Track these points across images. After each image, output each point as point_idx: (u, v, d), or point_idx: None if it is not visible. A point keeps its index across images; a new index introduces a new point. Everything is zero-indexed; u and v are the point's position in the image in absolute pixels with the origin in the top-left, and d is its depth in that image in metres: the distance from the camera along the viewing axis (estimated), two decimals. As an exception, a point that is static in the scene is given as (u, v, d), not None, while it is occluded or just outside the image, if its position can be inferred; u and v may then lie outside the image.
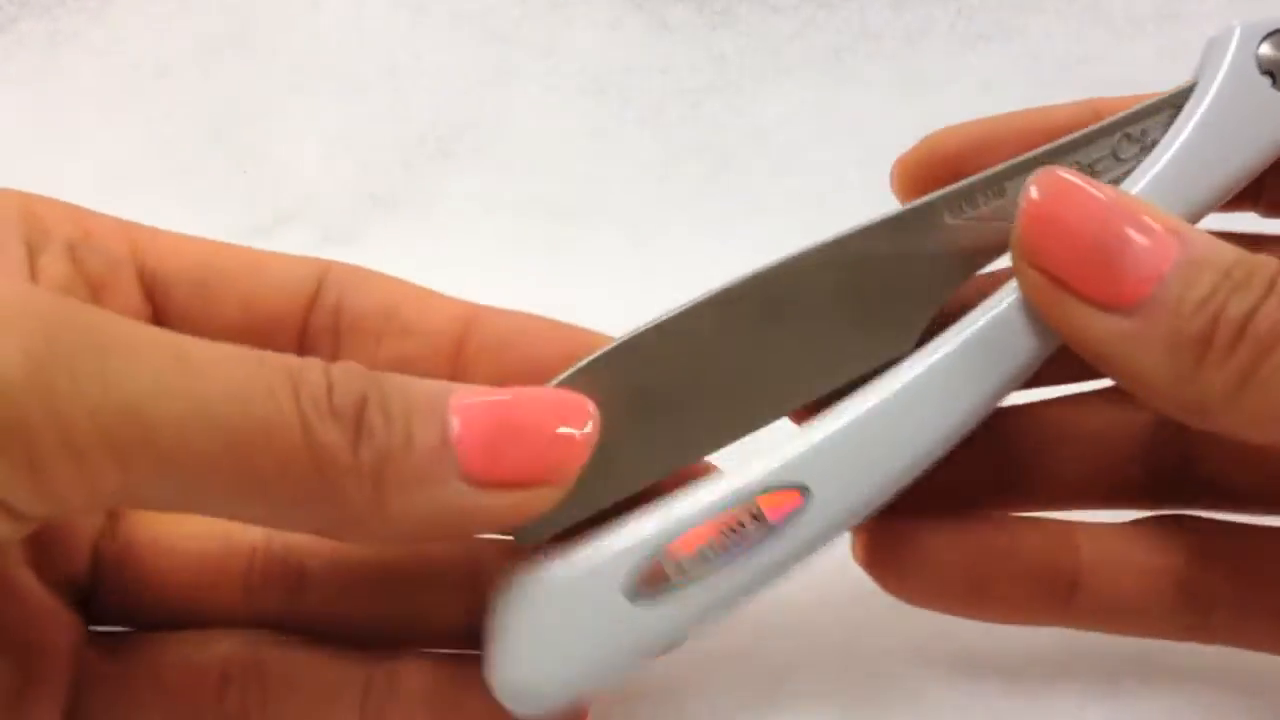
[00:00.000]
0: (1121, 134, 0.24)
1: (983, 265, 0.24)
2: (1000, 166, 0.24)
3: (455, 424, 0.20)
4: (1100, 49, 0.38)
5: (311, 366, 0.19)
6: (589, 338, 0.24)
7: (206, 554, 0.24)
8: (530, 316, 0.24)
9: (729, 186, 0.36)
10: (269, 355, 0.19)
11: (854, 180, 0.36)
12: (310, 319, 0.24)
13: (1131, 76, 0.37)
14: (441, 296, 0.25)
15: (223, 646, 0.23)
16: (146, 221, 0.26)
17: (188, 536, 0.24)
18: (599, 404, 0.21)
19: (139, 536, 0.24)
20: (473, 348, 0.24)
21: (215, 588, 0.23)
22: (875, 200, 0.36)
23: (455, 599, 0.24)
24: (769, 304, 0.23)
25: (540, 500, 0.21)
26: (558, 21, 0.39)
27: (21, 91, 0.38)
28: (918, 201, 0.24)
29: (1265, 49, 0.23)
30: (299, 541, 0.24)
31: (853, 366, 0.23)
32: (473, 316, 0.24)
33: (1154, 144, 0.24)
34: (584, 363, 0.22)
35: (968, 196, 0.24)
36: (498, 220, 0.36)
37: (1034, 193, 0.22)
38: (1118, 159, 0.24)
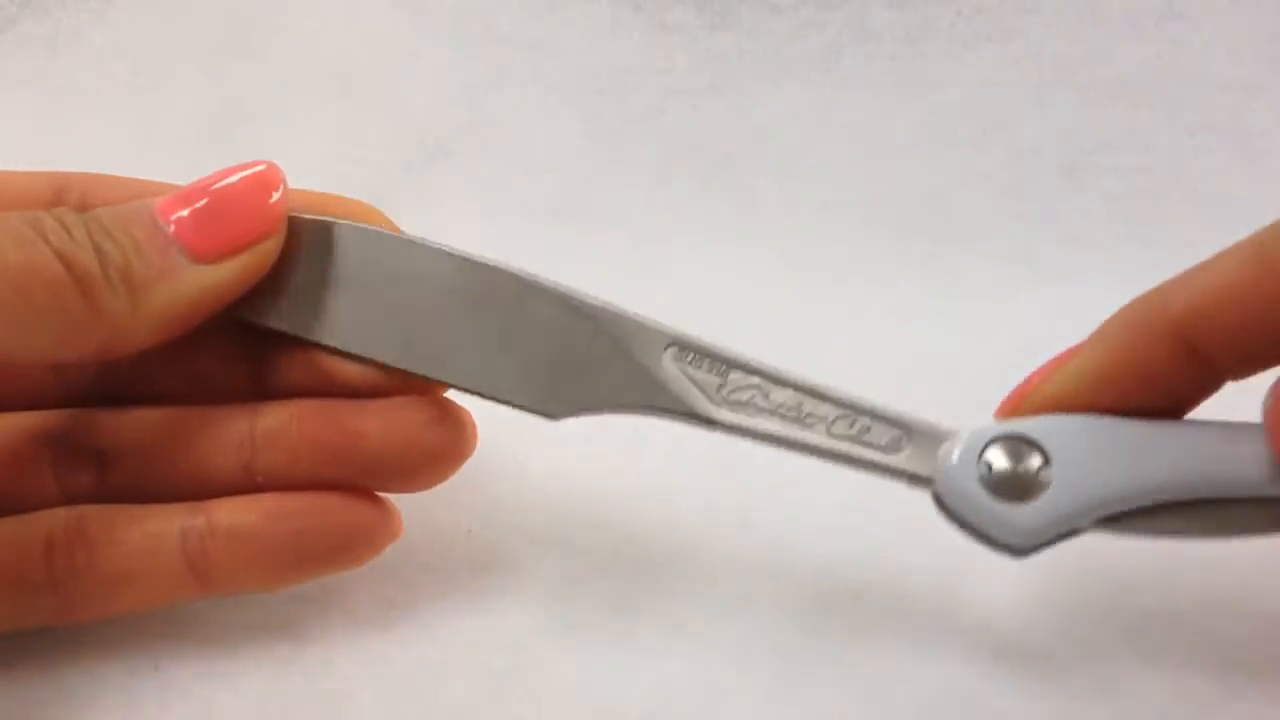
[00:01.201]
0: (845, 414, 0.25)
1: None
2: (735, 354, 0.25)
3: (167, 222, 0.24)
4: (1100, 49, 0.38)
5: (41, 216, 0.23)
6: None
7: (7, 444, 0.26)
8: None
9: (729, 186, 0.36)
10: (6, 215, 0.23)
11: (854, 180, 0.36)
12: None
13: (1132, 76, 0.38)
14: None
15: (44, 520, 0.25)
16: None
17: None
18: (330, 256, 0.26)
19: None
20: None
21: (25, 475, 0.26)
22: (875, 200, 0.36)
23: (233, 454, 0.26)
24: (504, 301, 0.26)
25: (264, 254, 0.25)
26: (558, 22, 0.39)
27: (21, 91, 0.38)
28: (662, 326, 0.25)
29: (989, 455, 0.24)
30: (90, 421, 0.26)
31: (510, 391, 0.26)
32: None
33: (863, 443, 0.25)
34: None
35: (696, 353, 0.25)
36: (498, 220, 0.36)
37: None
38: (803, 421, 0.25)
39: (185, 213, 0.24)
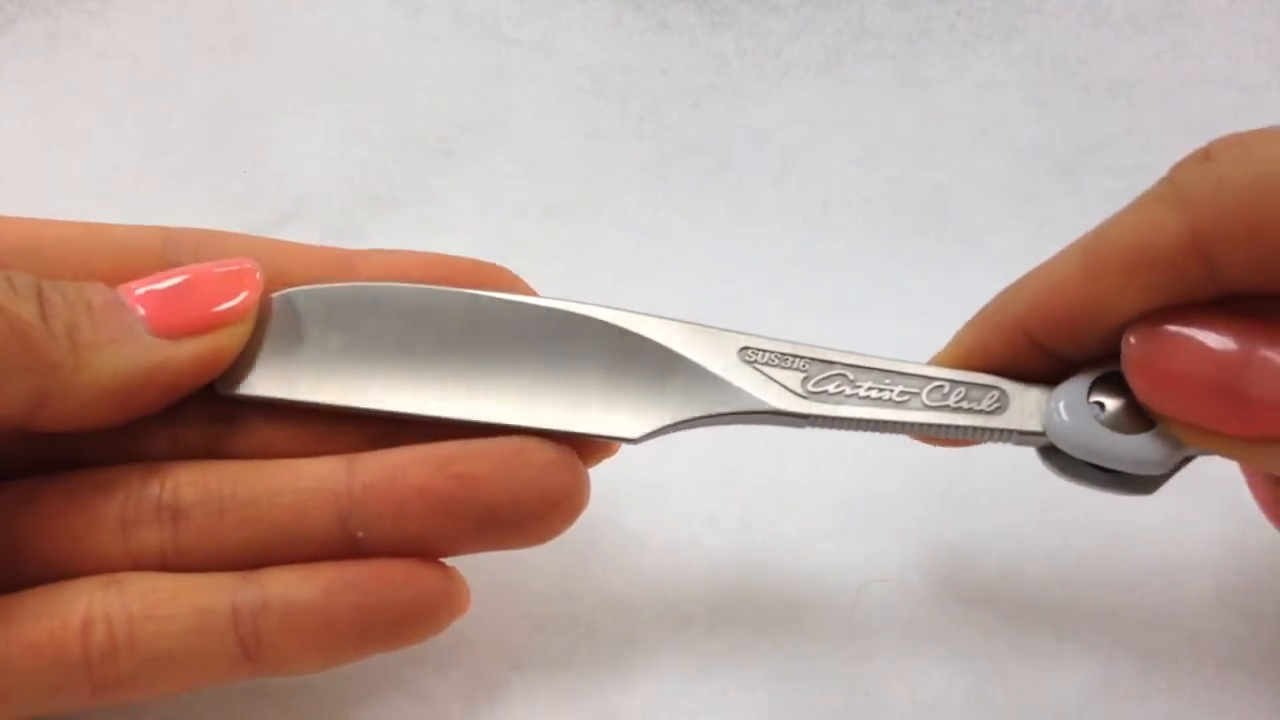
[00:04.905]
0: (937, 385, 0.25)
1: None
2: (810, 346, 0.25)
3: (131, 294, 0.24)
4: (1100, 49, 0.38)
5: None
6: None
7: (75, 498, 0.24)
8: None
9: (729, 186, 0.36)
10: None
11: (854, 181, 0.36)
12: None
13: (1132, 76, 0.38)
14: (305, 248, 0.26)
15: (84, 591, 0.23)
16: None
17: None
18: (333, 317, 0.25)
19: None
20: None
21: (91, 532, 0.24)
22: (875, 200, 0.36)
23: (330, 507, 0.24)
24: (542, 334, 0.25)
25: (230, 339, 0.24)
26: (558, 21, 0.39)
27: (21, 91, 0.38)
28: (729, 331, 0.25)
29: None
30: (164, 474, 0.24)
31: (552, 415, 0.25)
32: (346, 261, 0.26)
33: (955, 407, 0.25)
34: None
35: (772, 352, 0.25)
36: (498, 220, 0.36)
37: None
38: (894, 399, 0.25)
39: (154, 287, 0.24)
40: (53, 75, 0.38)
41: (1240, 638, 0.27)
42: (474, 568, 0.29)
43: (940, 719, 0.26)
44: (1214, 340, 0.21)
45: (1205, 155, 0.22)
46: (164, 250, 0.25)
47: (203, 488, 0.24)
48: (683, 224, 0.36)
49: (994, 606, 0.28)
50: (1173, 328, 0.22)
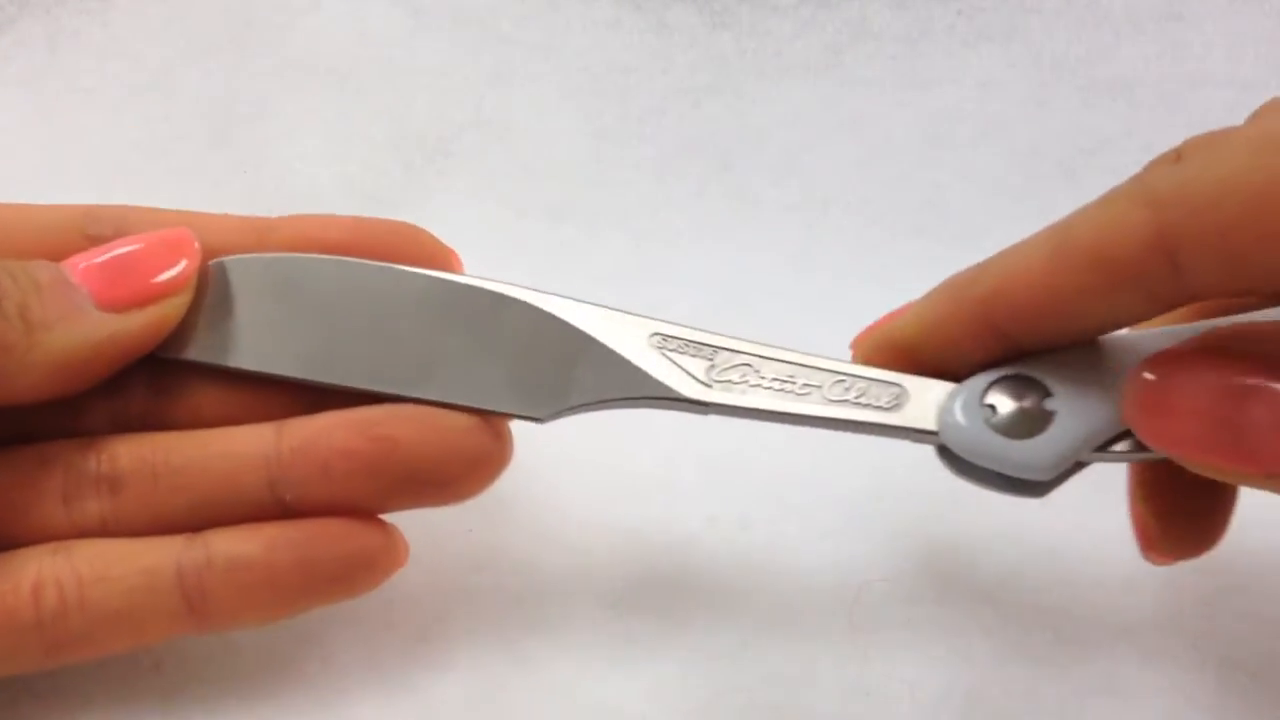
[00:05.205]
0: (840, 379, 0.25)
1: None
2: (719, 336, 0.25)
3: (75, 270, 0.24)
4: (1100, 49, 0.38)
5: None
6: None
7: (17, 473, 0.25)
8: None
9: (729, 186, 0.36)
10: None
11: (854, 180, 0.36)
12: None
13: (1132, 76, 0.38)
14: (224, 217, 0.27)
15: (34, 557, 0.24)
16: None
17: None
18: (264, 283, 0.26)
19: None
20: None
21: (34, 505, 0.25)
22: (875, 200, 0.36)
23: (260, 472, 0.25)
24: (475, 314, 0.26)
25: (174, 308, 0.25)
26: (557, 21, 0.39)
27: (21, 91, 0.38)
28: (642, 317, 0.25)
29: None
30: (101, 448, 0.25)
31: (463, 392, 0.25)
32: (264, 228, 0.27)
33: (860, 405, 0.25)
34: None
35: (681, 339, 0.25)
36: (498, 220, 0.36)
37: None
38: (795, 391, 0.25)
39: (95, 262, 0.25)
40: (53, 75, 0.38)
41: (1240, 638, 0.27)
42: (477, 569, 0.29)
43: (940, 719, 0.26)
44: (1212, 383, 0.21)
45: (1177, 155, 0.22)
46: (85, 227, 0.26)
47: (138, 457, 0.25)
48: (683, 224, 0.36)
49: (994, 606, 0.28)
50: (1168, 372, 0.22)
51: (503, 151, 0.37)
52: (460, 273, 0.27)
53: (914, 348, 0.25)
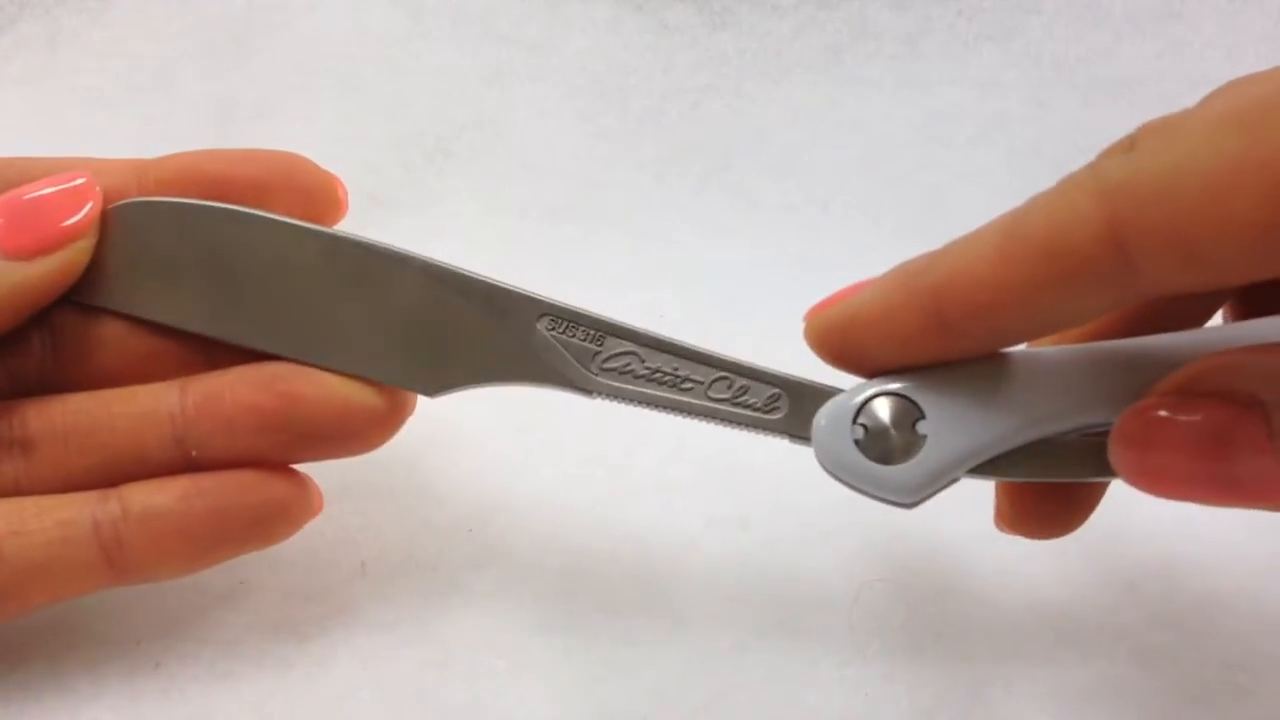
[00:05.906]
0: (722, 376, 0.25)
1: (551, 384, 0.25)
2: (609, 319, 0.25)
3: None
4: (1100, 49, 0.38)
5: None
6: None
7: None
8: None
9: (729, 186, 0.36)
10: None
11: (854, 180, 0.36)
12: None
13: (1132, 76, 0.38)
14: (103, 161, 0.27)
15: None
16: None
17: None
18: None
19: None
20: None
21: None
22: (875, 200, 0.36)
23: (166, 429, 0.26)
24: (372, 278, 0.26)
25: (79, 253, 0.25)
26: (557, 22, 0.39)
27: (21, 91, 0.38)
28: (531, 292, 0.25)
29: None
30: (10, 411, 0.26)
31: (376, 368, 0.26)
32: (141, 170, 0.27)
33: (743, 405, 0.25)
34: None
35: (571, 321, 0.25)
36: (498, 220, 0.36)
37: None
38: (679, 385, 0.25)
39: None
40: (53, 75, 0.38)
41: (1240, 638, 0.27)
42: (477, 569, 0.29)
43: (940, 719, 0.26)
44: (1196, 427, 0.20)
45: (1131, 143, 0.21)
46: None
47: (46, 419, 0.26)
48: (683, 224, 0.36)
49: (994, 606, 0.28)
50: (1155, 415, 0.21)
51: (503, 151, 0.37)
52: (344, 199, 0.27)
53: (862, 342, 0.24)
